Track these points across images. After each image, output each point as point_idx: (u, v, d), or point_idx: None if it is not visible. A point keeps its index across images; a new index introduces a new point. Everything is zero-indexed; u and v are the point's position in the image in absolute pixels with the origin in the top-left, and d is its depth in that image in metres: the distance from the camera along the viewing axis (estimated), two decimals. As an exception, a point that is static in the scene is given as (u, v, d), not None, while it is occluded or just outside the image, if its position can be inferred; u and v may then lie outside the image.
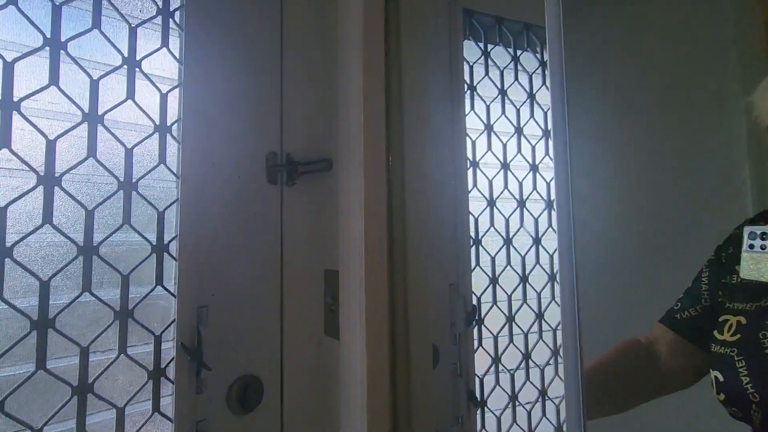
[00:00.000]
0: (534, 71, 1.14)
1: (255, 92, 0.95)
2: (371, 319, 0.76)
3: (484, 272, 1.01)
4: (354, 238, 0.84)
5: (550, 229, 1.10)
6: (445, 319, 0.92)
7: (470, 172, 1.04)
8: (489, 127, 1.08)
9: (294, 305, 0.94)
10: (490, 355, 0.99)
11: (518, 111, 1.12)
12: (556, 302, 1.07)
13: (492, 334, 1.00)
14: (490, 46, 1.10)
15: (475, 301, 0.98)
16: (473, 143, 1.06)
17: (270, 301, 0.92)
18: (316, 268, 0.97)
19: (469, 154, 1.04)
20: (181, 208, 0.83)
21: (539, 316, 1.05)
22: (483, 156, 1.06)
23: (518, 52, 1.13)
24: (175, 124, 0.87)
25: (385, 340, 0.76)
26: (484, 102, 1.08)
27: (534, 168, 1.12)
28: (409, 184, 0.90)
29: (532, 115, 1.14)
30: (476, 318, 0.96)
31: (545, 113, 1.14)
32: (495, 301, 1.01)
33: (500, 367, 1.00)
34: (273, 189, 0.97)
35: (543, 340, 1.06)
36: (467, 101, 1.06)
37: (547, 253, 1.09)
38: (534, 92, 1.14)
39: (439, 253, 0.91)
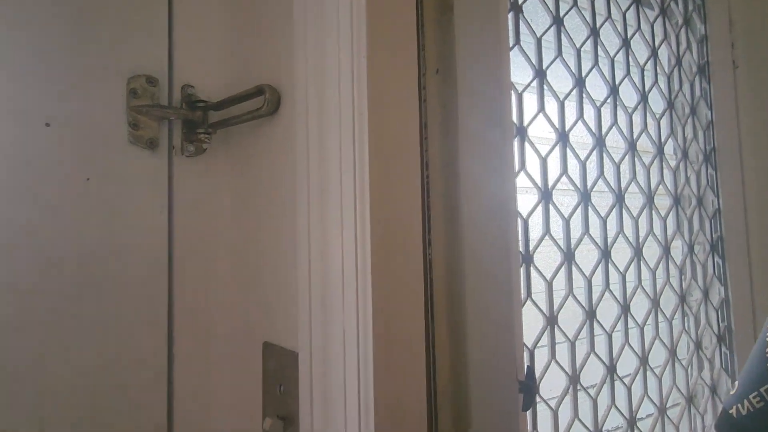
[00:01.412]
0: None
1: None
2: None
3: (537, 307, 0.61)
4: (336, 272, 0.38)
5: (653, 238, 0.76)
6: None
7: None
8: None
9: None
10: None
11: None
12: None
13: (551, 408, 0.61)
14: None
15: (527, 359, 0.58)
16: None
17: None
18: (247, 335, 0.51)
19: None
20: None
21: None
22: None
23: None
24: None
25: None
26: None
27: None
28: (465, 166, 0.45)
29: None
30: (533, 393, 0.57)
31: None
32: (553, 356, 0.62)
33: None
34: (149, 160, 0.54)
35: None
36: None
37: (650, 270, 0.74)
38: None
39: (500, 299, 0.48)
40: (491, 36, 0.49)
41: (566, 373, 0.63)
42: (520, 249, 0.58)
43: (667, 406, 0.74)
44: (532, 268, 0.60)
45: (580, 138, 0.70)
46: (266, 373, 0.48)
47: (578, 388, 0.64)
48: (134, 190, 0.51)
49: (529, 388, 0.53)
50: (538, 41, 0.64)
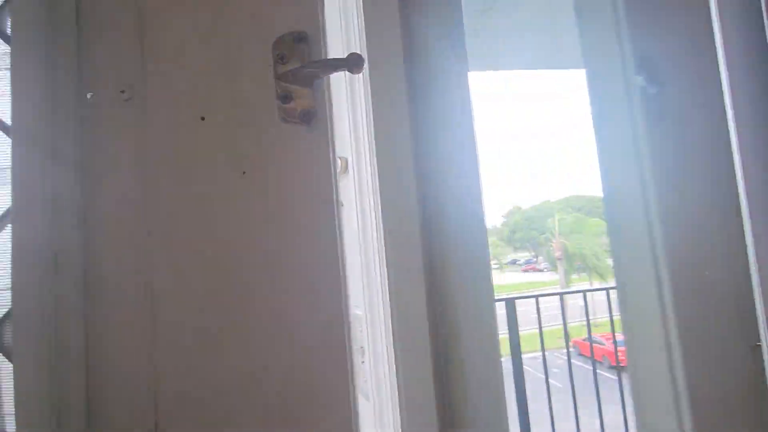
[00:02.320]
0: None
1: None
2: (406, 376, 0.63)
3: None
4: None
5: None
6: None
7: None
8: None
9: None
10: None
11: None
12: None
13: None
14: None
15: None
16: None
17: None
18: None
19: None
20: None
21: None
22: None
23: None
24: None
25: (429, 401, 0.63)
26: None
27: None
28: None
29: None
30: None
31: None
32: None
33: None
34: (308, 137, 0.58)
35: None
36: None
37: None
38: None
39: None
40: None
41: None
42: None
43: None
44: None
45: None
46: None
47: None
48: (293, 178, 0.49)
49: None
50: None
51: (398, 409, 0.65)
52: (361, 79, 0.70)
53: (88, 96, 0.51)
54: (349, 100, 0.74)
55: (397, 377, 0.65)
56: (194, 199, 0.52)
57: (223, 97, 0.53)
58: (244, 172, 0.52)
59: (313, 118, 0.53)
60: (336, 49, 0.65)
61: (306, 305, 0.52)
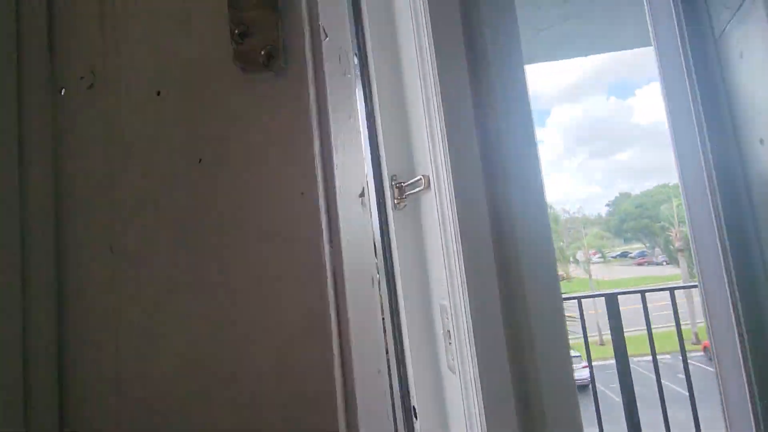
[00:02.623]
0: None
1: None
2: (484, 354, 0.78)
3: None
4: (455, 265, 0.85)
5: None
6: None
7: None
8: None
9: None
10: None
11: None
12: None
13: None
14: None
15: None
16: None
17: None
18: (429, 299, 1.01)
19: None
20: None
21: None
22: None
23: None
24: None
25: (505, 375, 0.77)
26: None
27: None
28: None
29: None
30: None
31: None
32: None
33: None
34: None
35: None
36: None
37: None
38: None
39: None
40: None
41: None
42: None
43: None
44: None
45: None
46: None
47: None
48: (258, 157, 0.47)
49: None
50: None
51: (479, 383, 0.79)
52: (433, 92, 0.86)
53: (62, 92, 0.49)
54: (426, 119, 0.90)
55: (477, 356, 0.79)
56: (155, 192, 0.47)
57: (177, 63, 0.48)
58: (200, 160, 0.46)
59: (280, 58, 0.42)
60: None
61: (287, 302, 0.45)
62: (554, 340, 0.76)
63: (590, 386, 2.63)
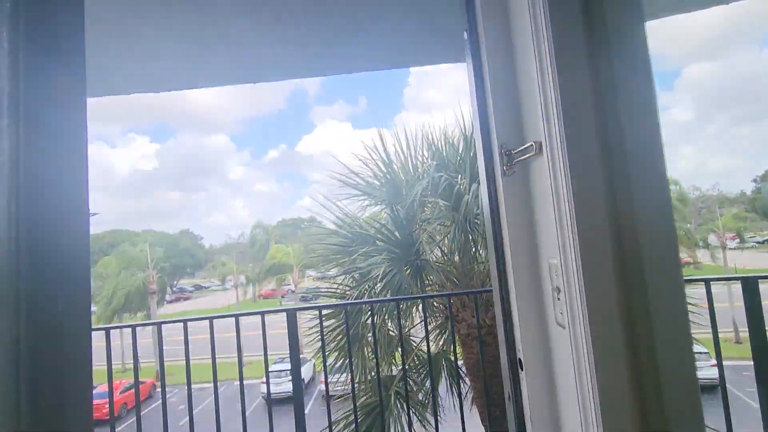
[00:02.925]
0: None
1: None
2: (595, 312, 0.83)
3: None
4: (566, 227, 0.90)
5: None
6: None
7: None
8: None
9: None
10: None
11: None
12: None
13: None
14: None
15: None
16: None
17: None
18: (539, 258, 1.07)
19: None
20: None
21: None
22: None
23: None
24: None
25: (616, 333, 0.81)
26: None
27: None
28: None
29: None
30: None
31: None
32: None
33: None
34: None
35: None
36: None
37: None
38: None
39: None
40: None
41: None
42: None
43: None
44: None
45: None
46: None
47: None
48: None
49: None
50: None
51: (589, 337, 0.84)
52: (548, 59, 0.90)
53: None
54: (539, 84, 0.94)
55: (588, 312, 0.84)
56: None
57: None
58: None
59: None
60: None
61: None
62: (669, 296, 0.78)
63: (719, 387, 2.27)
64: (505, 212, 1.13)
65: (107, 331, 2.24)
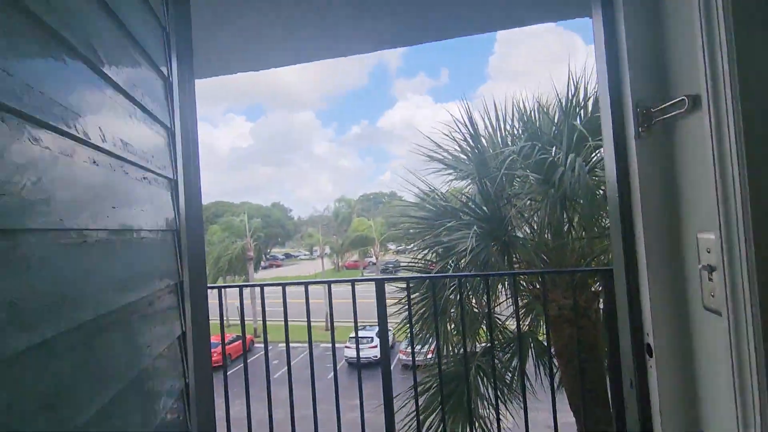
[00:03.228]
0: None
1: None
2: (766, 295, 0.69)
3: None
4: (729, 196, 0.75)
5: None
6: None
7: None
8: None
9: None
10: None
11: None
12: None
13: None
14: None
15: None
16: None
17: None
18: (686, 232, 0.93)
19: None
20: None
21: None
22: None
23: None
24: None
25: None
26: None
27: None
28: None
29: None
30: None
31: None
32: None
33: None
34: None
35: None
36: None
37: None
38: None
39: None
40: None
41: None
42: None
43: None
44: None
45: None
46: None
47: None
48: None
49: None
50: None
51: (758, 326, 0.71)
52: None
53: None
54: (701, 24, 0.77)
55: (758, 297, 0.70)
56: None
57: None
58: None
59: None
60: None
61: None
62: None
63: None
64: (638, 180, 0.99)
65: (220, 289, 2.52)
